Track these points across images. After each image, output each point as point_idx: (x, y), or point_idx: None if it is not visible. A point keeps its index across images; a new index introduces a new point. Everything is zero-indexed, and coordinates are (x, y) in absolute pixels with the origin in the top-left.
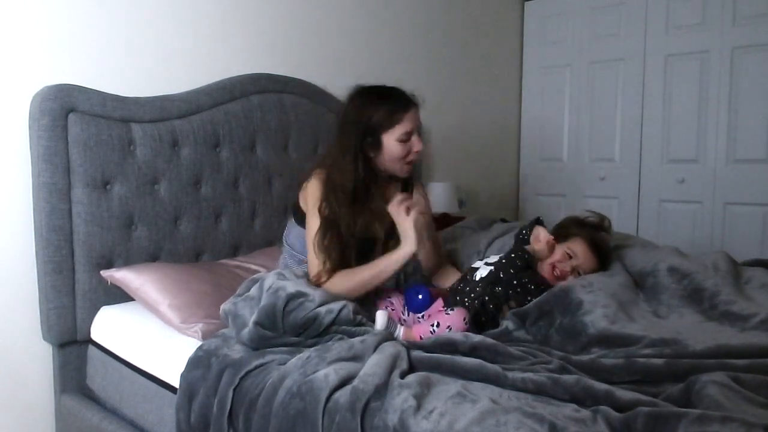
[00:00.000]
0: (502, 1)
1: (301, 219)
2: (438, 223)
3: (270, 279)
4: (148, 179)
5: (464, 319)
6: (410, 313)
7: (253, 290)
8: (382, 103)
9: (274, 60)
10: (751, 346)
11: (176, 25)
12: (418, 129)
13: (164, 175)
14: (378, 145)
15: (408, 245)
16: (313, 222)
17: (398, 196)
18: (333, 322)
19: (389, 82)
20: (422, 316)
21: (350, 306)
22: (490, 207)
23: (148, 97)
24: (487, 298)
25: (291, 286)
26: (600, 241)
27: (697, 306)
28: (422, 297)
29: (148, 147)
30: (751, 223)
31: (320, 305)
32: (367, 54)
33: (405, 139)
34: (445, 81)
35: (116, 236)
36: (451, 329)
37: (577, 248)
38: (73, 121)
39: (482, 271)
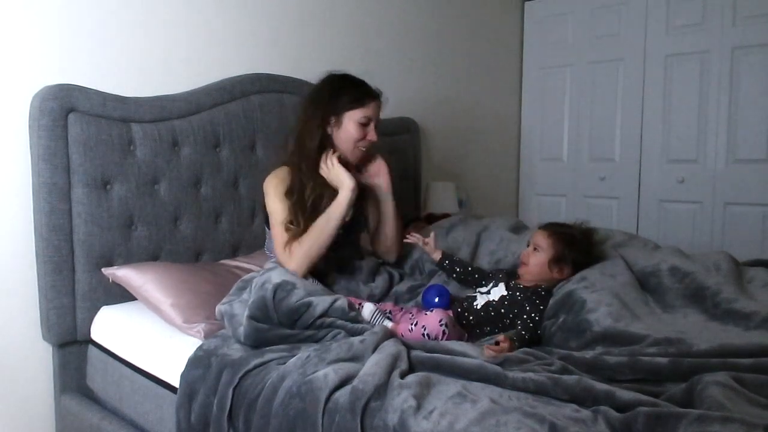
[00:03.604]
0: (502, 1)
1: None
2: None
3: (256, 278)
4: (148, 179)
5: (440, 321)
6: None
7: (246, 293)
8: (352, 86)
9: (274, 60)
10: (755, 346)
11: (176, 25)
12: (377, 122)
13: (164, 175)
14: (339, 123)
15: (345, 188)
16: (276, 205)
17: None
18: (326, 312)
19: (390, 82)
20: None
21: (343, 299)
22: (490, 207)
23: (148, 97)
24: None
25: (276, 277)
26: (552, 224)
27: (701, 305)
28: (439, 300)
29: (148, 147)
30: (751, 223)
31: (309, 294)
32: (367, 54)
33: (364, 123)
34: (445, 81)
35: (116, 236)
36: (425, 329)
37: (533, 236)
38: (73, 121)
39: (480, 301)
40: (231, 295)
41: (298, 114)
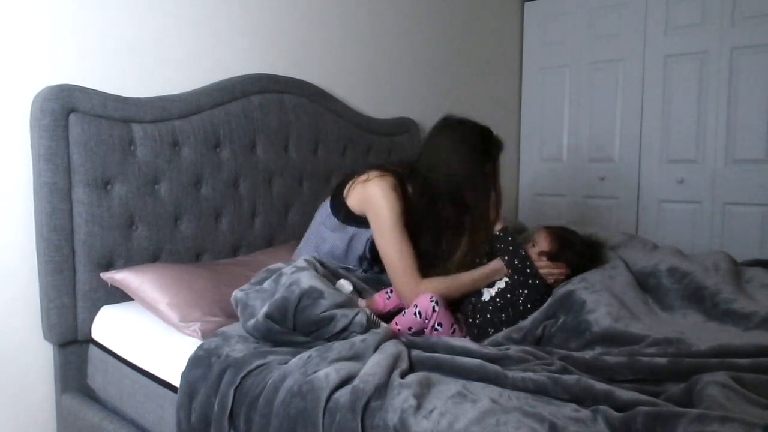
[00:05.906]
0: (502, 1)
1: (346, 218)
2: None
3: (286, 274)
4: (149, 179)
5: (431, 298)
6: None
7: (267, 283)
8: (491, 137)
9: (274, 60)
10: (754, 346)
11: (177, 25)
12: None
13: (164, 175)
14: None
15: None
16: (391, 228)
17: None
18: (345, 328)
19: (390, 82)
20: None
21: (364, 314)
22: None
23: (149, 98)
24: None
25: (305, 281)
26: (557, 226)
27: (700, 305)
28: None
29: (148, 147)
30: (751, 223)
31: (335, 306)
32: (368, 54)
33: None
34: (446, 81)
35: (117, 236)
36: (417, 307)
37: (535, 235)
38: (74, 122)
39: (486, 296)
40: (252, 283)
41: (444, 145)
